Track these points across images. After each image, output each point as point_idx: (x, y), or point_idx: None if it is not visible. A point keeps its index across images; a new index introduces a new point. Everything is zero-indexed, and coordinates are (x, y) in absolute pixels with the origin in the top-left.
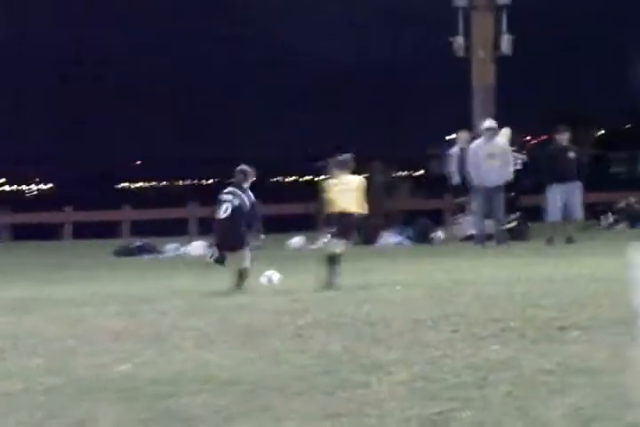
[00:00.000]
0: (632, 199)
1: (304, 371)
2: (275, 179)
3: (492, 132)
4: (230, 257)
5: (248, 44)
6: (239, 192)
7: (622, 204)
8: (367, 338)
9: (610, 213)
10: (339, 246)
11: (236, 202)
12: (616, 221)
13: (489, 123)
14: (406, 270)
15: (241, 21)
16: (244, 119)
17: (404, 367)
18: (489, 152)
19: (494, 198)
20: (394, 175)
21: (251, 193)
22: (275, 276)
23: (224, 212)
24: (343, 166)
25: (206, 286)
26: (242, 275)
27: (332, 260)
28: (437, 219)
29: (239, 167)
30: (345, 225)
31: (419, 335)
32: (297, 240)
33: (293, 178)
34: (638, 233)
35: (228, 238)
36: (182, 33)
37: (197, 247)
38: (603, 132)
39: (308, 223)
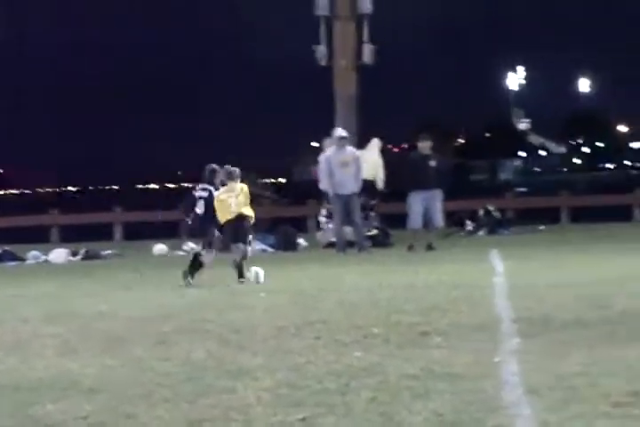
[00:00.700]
0: (491, 207)
1: (168, 378)
2: (141, 186)
3: (344, 141)
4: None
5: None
6: (210, 188)
7: (482, 211)
8: (232, 345)
9: (470, 221)
10: (240, 251)
11: (209, 198)
12: (476, 229)
13: (340, 132)
14: (270, 277)
15: None
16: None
17: (269, 374)
18: (342, 161)
19: (351, 206)
20: (257, 182)
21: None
22: (260, 272)
23: (199, 208)
24: (231, 176)
25: (68, 293)
26: (240, 267)
27: (240, 265)
28: (301, 226)
29: (208, 166)
30: (240, 229)
31: (283, 342)
32: (161, 247)
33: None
34: (497, 240)
35: (205, 232)
36: None
37: (59, 255)
38: (463, 141)
39: (171, 230)
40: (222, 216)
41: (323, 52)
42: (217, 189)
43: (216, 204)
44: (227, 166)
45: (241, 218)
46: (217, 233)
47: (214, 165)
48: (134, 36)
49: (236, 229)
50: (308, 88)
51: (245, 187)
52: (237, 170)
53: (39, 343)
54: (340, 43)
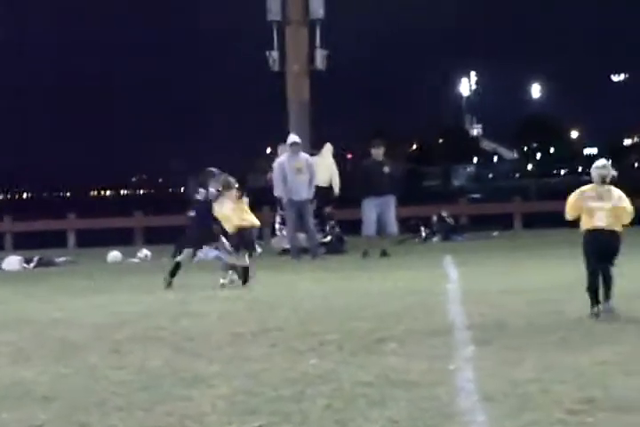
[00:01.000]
0: (444, 213)
1: (123, 386)
2: (94, 192)
3: (296, 147)
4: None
5: None
6: (203, 191)
7: (435, 217)
8: (187, 352)
9: (424, 227)
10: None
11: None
12: (430, 235)
13: (293, 138)
14: (225, 284)
15: None
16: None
17: (225, 381)
18: (296, 167)
19: (304, 212)
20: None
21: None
22: (234, 276)
23: (193, 211)
24: (229, 185)
25: (22, 300)
26: (245, 271)
27: (245, 271)
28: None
29: (209, 170)
30: (249, 236)
31: (238, 349)
32: (115, 254)
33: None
34: (451, 246)
35: (201, 234)
36: None
37: (12, 263)
38: (416, 147)
39: (125, 237)
40: (233, 224)
41: (275, 57)
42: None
43: (227, 212)
44: (225, 174)
45: (251, 226)
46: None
47: (215, 170)
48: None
49: (246, 236)
50: (263, 94)
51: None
52: (234, 179)
53: None
54: (293, 48)
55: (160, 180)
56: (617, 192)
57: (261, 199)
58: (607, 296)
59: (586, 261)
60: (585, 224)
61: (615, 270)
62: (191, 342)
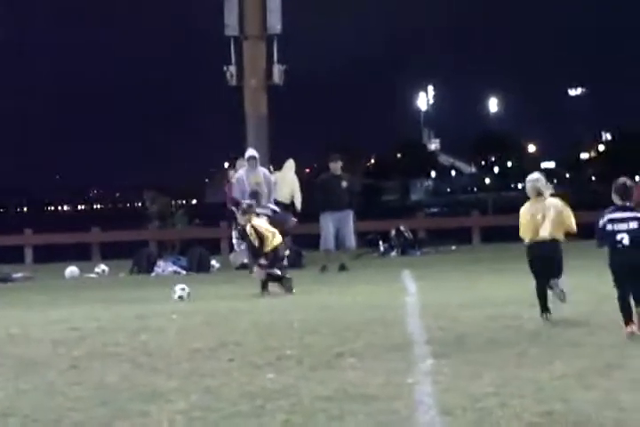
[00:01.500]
0: (403, 227)
1: (81, 402)
2: (50, 207)
3: (254, 161)
4: None
5: None
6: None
7: (394, 232)
8: (145, 368)
9: (382, 241)
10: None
11: None
12: (388, 249)
13: (250, 152)
14: (182, 299)
15: None
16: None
17: (183, 396)
18: (255, 181)
19: None
20: (168, 204)
21: None
22: (185, 290)
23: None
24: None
25: None
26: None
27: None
28: (213, 247)
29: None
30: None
31: (196, 364)
32: (73, 269)
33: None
34: (410, 260)
35: None
36: None
37: None
38: (374, 161)
39: (81, 252)
40: (271, 241)
41: (233, 72)
42: None
43: (263, 230)
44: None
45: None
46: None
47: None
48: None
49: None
50: (221, 108)
51: None
52: None
53: None
54: (250, 63)
55: (117, 194)
56: (552, 202)
57: (219, 214)
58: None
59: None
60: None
61: (572, 283)
62: (149, 357)
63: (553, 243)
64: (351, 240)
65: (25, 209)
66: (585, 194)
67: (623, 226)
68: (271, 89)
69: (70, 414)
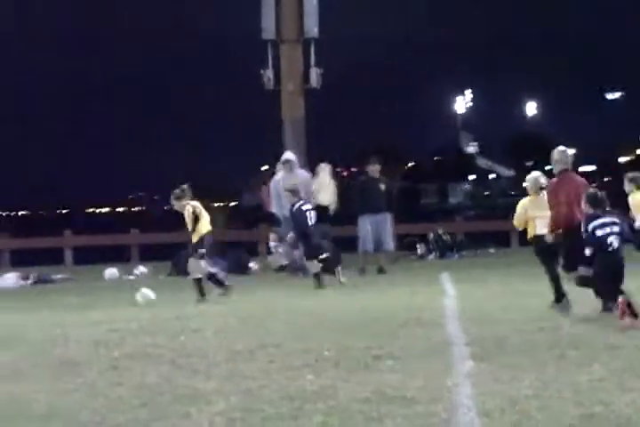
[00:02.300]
0: (440, 230)
1: (122, 403)
2: (90, 209)
3: (290, 165)
4: None
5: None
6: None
7: (432, 235)
8: (185, 369)
9: (420, 244)
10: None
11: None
12: (427, 252)
13: (287, 155)
14: (221, 301)
15: None
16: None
17: (223, 398)
18: (292, 183)
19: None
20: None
21: None
22: (150, 292)
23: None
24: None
25: (19, 317)
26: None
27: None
28: (252, 250)
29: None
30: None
31: (236, 366)
32: (112, 271)
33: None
34: (448, 263)
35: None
36: None
37: (9, 280)
38: (413, 164)
39: (121, 254)
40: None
41: (270, 76)
42: None
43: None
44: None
45: None
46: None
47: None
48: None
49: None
50: (259, 112)
51: None
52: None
53: None
54: (287, 66)
55: (156, 197)
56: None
57: (257, 217)
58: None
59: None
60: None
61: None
62: (189, 358)
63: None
64: (389, 243)
65: (63, 211)
66: (625, 195)
67: (611, 230)
68: (308, 92)
69: (112, 415)
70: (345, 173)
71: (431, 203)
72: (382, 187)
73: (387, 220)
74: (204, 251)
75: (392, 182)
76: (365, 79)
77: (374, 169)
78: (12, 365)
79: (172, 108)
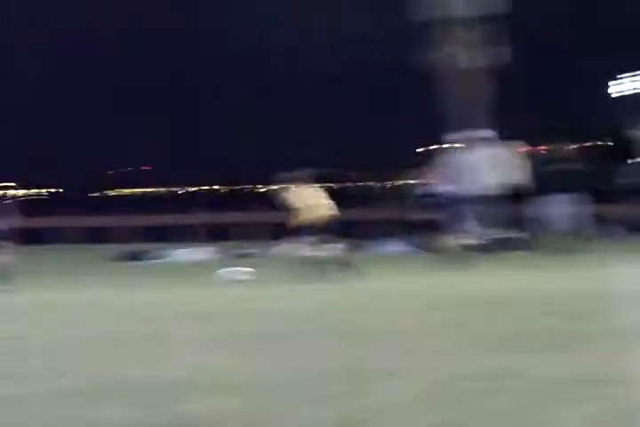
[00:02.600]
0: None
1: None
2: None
3: (485, 141)
4: None
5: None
6: None
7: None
8: (381, 347)
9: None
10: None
11: None
12: (624, 233)
13: (483, 133)
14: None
15: None
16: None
17: (422, 375)
18: (490, 160)
19: (487, 206)
20: None
21: None
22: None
23: None
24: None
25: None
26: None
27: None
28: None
29: None
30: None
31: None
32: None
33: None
34: None
35: None
36: None
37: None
38: (602, 143)
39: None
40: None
41: (450, 54)
42: None
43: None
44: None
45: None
46: None
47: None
48: None
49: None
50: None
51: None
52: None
53: (181, 340)
54: (467, 46)
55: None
56: None
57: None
58: None
59: None
60: None
61: None
62: (381, 336)
63: None
64: (584, 223)
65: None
66: None
67: None
68: (487, 72)
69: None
70: (533, 152)
71: (630, 183)
72: (574, 166)
73: (580, 200)
74: None
75: (582, 162)
76: (550, 62)
77: (565, 149)
78: (208, 336)
79: (338, 92)
